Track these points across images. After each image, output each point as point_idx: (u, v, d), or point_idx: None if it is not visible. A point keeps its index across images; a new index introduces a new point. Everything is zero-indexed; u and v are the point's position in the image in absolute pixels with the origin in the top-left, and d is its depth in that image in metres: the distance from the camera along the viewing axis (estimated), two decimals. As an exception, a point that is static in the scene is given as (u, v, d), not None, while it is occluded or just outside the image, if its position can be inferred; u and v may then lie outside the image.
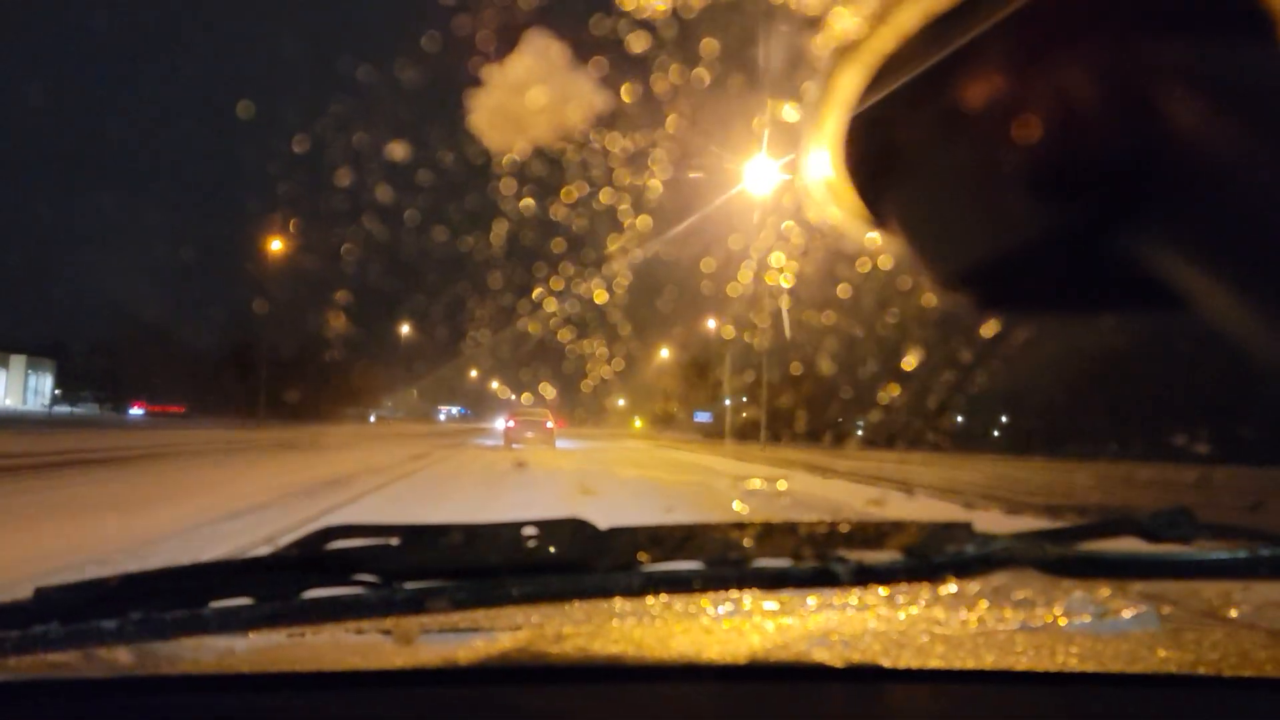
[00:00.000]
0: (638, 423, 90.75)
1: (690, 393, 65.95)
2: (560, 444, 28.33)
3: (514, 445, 25.76)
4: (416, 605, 0.90)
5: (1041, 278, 0.51)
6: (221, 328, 58.34)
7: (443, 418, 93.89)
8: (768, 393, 35.47)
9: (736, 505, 10.06)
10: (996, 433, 41.65)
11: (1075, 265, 0.49)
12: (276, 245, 38.69)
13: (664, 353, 69.78)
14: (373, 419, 66.09)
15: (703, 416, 60.85)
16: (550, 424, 27.98)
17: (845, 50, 0.52)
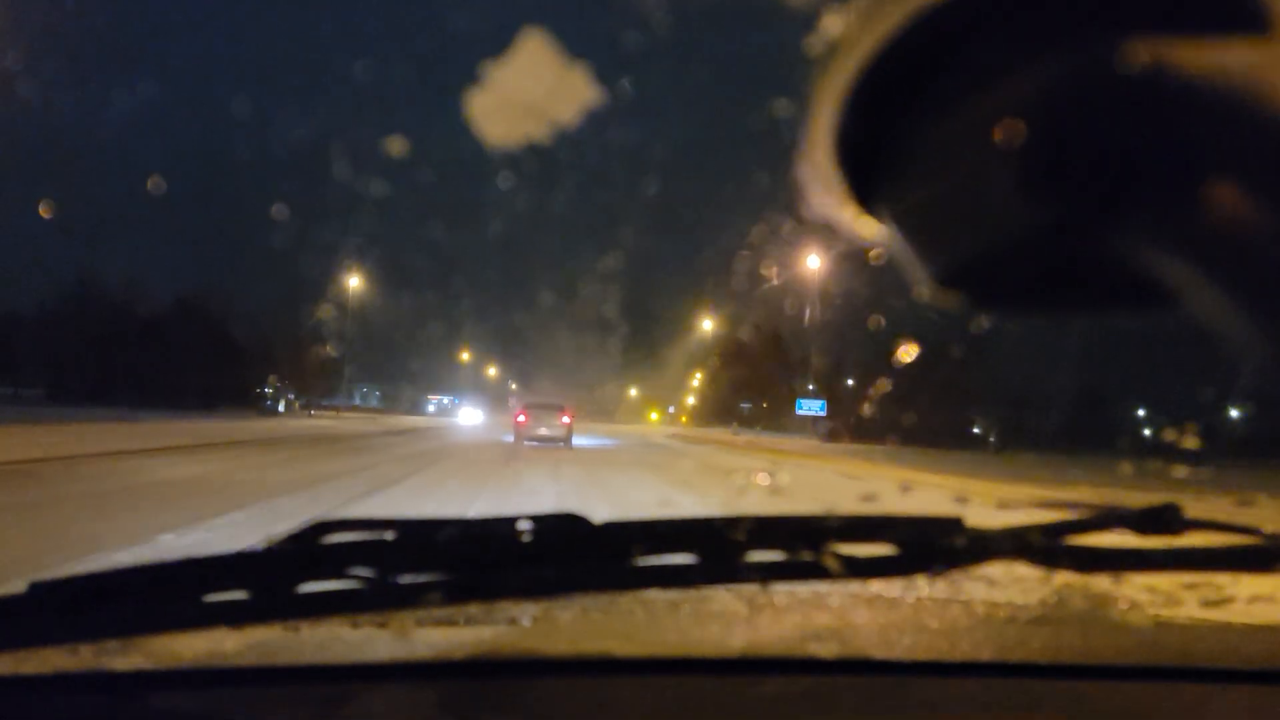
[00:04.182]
0: (654, 416, 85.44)
1: (755, 381, 53.15)
2: (582, 441, 24.72)
3: (526, 443, 22.57)
4: (411, 599, 0.90)
5: (1036, 276, 0.52)
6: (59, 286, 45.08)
7: (432, 409, 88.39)
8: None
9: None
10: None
11: (1068, 263, 0.49)
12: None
13: (706, 325, 56.10)
14: (282, 408, 47.16)
15: (811, 407, 39.74)
16: (566, 419, 24.23)
17: (839, 42, 0.52)
